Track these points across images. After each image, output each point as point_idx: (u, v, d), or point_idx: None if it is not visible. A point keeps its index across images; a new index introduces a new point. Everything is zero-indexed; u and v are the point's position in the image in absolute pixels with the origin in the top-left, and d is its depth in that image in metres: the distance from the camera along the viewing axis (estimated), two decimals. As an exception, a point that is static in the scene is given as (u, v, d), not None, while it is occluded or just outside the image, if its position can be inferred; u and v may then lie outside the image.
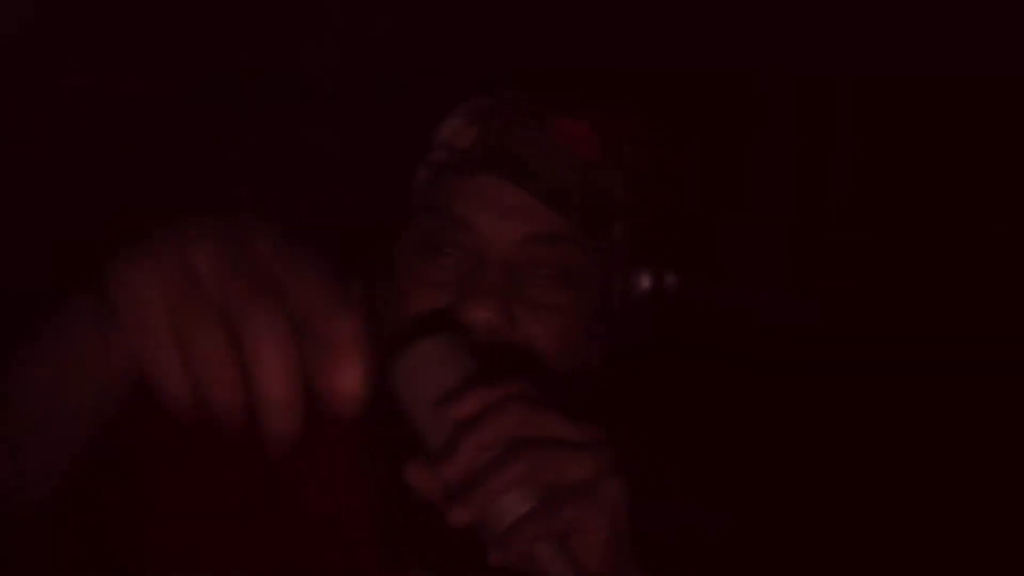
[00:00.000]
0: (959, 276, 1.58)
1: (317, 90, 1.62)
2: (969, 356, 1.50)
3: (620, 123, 0.95)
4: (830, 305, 1.59)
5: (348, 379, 0.54)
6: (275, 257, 0.56)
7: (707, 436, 1.00)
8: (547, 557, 0.68)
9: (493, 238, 0.87)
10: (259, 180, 1.62)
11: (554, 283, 0.88)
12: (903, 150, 1.64)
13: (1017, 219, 1.57)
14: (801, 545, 0.98)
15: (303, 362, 0.53)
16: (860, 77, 1.66)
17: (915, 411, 1.51)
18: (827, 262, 1.63)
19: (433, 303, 0.87)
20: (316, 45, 1.62)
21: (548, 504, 0.68)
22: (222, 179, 1.65)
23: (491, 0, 1.63)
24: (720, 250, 1.50)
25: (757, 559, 0.94)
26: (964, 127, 1.59)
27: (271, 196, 1.62)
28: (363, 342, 0.54)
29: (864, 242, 1.63)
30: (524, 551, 0.67)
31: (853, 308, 1.58)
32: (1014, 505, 1.41)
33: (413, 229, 0.91)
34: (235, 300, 0.53)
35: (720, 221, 1.49)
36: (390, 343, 0.79)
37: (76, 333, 0.66)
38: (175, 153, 1.64)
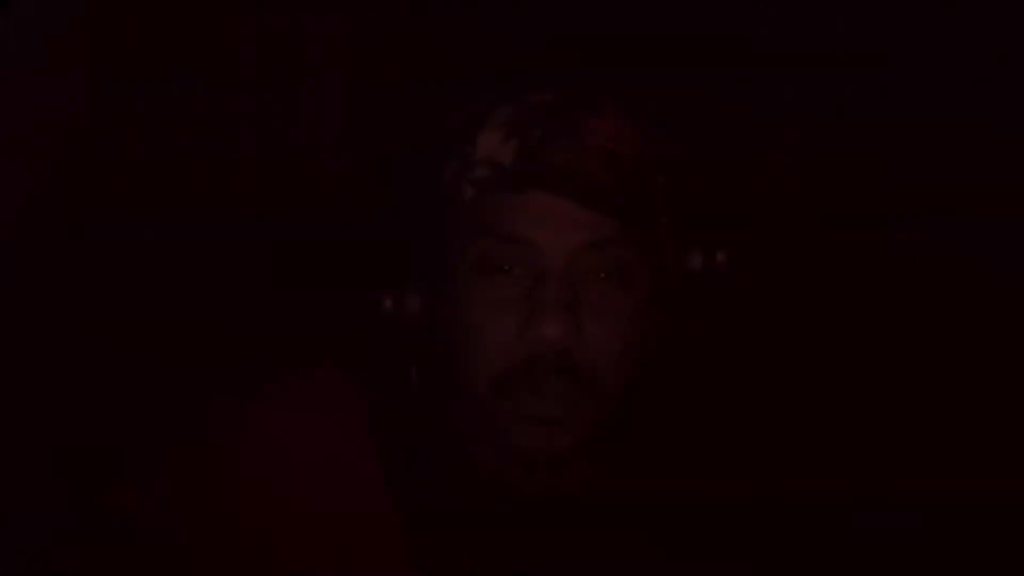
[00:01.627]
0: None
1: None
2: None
3: (647, 112, 0.98)
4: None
5: None
6: None
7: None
8: None
9: (549, 252, 0.91)
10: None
11: (611, 286, 0.92)
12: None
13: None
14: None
15: None
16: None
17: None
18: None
19: (503, 324, 0.91)
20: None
21: None
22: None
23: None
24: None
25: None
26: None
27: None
28: None
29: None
30: None
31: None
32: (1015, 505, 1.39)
33: (469, 250, 0.94)
34: None
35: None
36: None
37: None
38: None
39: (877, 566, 0.97)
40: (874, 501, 0.98)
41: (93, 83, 1.52)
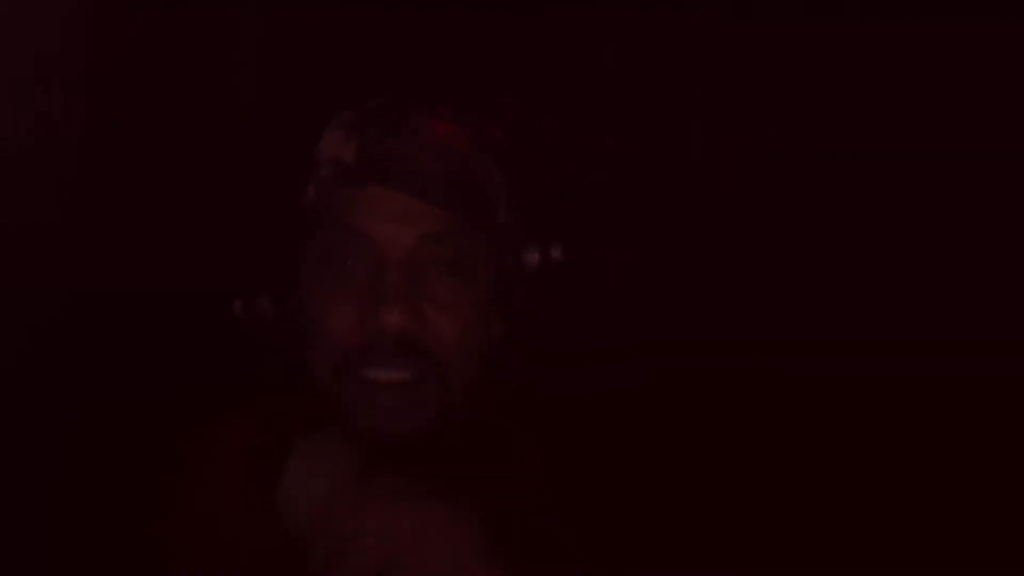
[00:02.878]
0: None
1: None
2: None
3: (481, 108, 1.01)
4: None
5: None
6: None
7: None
8: None
9: (388, 244, 0.93)
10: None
11: (452, 278, 0.94)
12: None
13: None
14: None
15: None
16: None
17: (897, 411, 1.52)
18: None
19: (344, 312, 0.93)
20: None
21: None
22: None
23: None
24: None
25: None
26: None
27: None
28: None
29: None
30: None
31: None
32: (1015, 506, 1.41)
33: (313, 245, 0.97)
34: None
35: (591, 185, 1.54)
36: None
37: None
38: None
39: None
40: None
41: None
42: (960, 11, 1.57)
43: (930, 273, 1.60)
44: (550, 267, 1.01)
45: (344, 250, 0.94)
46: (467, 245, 0.95)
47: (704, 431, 1.14)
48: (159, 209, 1.65)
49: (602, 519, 0.91)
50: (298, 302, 0.97)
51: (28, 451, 1.44)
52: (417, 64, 1.56)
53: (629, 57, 1.64)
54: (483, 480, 0.89)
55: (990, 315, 1.56)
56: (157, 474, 0.99)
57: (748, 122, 1.65)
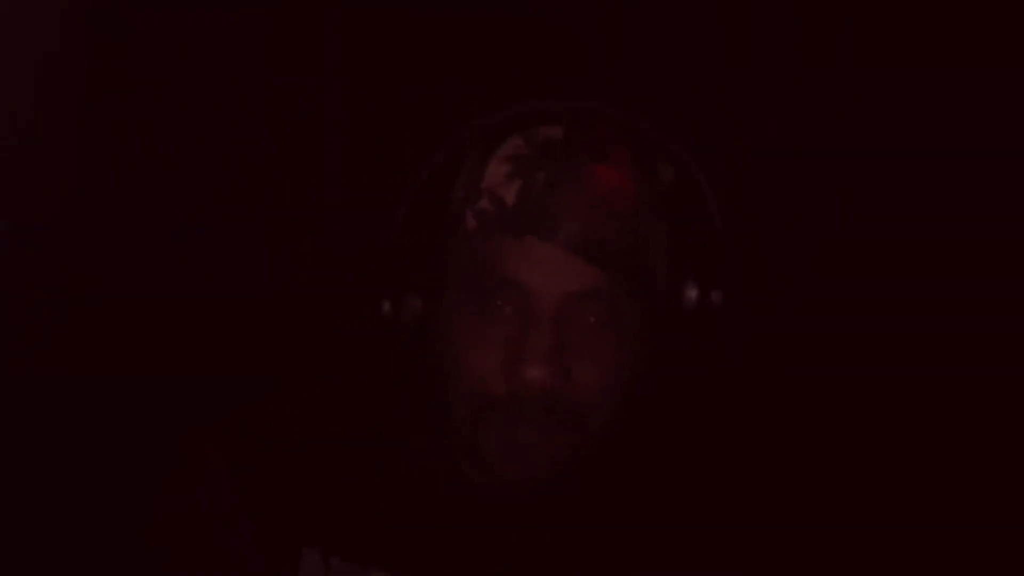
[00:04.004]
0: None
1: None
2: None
3: (654, 160, 0.96)
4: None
5: None
6: None
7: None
8: None
9: (541, 298, 0.91)
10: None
11: (601, 330, 0.92)
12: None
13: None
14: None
15: None
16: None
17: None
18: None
19: (490, 357, 0.92)
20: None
21: None
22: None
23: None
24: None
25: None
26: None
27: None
28: None
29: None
30: None
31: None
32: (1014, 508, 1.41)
33: (466, 278, 0.94)
34: None
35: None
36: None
37: None
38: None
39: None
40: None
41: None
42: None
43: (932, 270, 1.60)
44: (708, 311, 0.98)
45: (496, 294, 0.92)
46: (621, 304, 0.93)
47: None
48: (159, 209, 1.65)
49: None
50: (444, 322, 0.95)
51: (28, 451, 1.44)
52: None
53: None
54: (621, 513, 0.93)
55: (992, 312, 1.56)
56: (157, 474, 0.99)
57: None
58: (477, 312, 0.93)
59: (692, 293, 0.98)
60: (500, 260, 0.92)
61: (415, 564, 0.94)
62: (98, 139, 1.63)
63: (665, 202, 0.97)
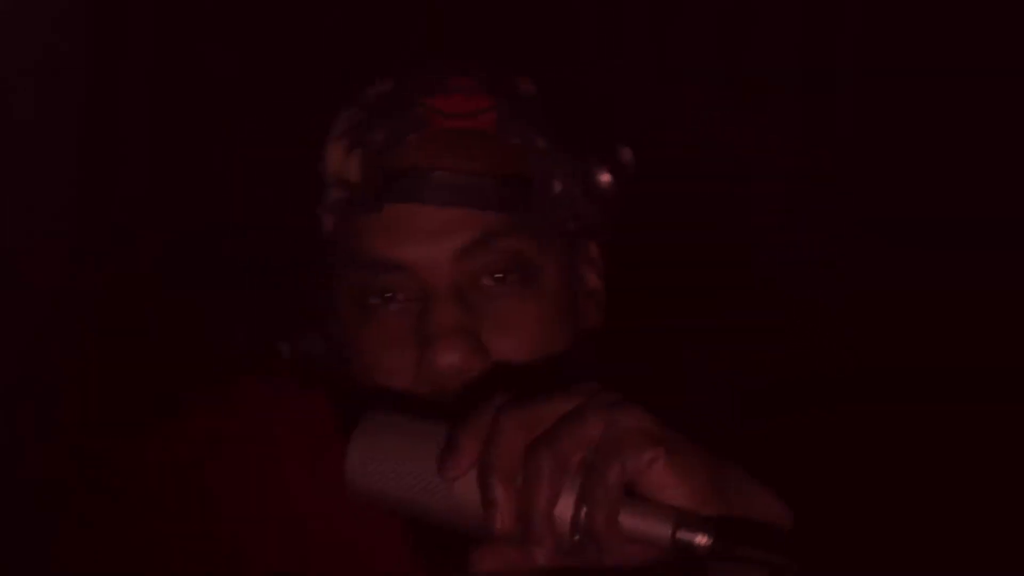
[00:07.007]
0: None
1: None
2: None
3: (503, 71, 0.84)
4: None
5: None
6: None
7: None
8: (635, 522, 0.61)
9: (427, 270, 0.78)
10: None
11: (510, 287, 0.80)
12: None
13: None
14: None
15: None
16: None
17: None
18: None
19: (399, 360, 0.80)
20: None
21: (592, 480, 0.60)
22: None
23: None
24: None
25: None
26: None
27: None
28: None
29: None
30: (612, 535, 0.60)
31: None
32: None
33: (346, 284, 0.82)
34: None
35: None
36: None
37: None
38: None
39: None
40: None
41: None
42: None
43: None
44: (625, 177, 0.84)
45: (380, 286, 0.79)
46: (518, 241, 0.79)
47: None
48: (159, 209, 1.65)
49: None
50: (346, 345, 0.82)
51: (28, 451, 1.44)
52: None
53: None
54: None
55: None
56: (156, 474, 0.98)
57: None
58: (369, 316, 0.80)
59: (601, 168, 0.84)
60: (368, 246, 0.79)
61: None
62: (98, 139, 1.63)
63: (534, 114, 0.82)
